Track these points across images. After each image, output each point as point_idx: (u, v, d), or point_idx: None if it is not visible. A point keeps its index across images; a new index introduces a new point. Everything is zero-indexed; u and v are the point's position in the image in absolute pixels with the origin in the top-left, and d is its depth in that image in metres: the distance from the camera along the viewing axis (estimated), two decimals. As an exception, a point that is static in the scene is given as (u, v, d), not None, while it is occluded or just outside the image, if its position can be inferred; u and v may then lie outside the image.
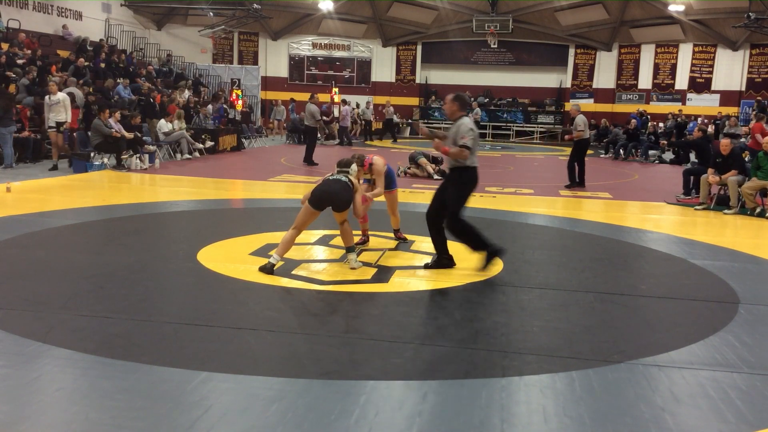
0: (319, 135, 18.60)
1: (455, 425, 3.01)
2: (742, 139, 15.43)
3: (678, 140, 11.56)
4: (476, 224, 5.81)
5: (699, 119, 23.40)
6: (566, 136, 12.82)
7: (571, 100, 29.73)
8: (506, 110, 29.86)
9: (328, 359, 3.75)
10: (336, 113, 24.18)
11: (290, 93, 29.35)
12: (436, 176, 12.70)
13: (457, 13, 28.67)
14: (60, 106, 12.61)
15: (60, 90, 13.48)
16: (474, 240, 5.72)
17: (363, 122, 26.61)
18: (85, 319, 4.23)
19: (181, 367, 3.51)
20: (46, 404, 3.10)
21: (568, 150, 13.86)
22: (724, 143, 10.35)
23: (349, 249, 5.88)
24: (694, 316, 4.84)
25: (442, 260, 5.91)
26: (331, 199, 5.75)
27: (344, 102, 24.22)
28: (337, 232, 7.05)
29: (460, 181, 5.80)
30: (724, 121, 23.10)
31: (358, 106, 27.54)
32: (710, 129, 16.00)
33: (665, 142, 19.53)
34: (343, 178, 5.89)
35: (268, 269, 5.50)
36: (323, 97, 26.23)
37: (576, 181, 12.60)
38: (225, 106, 20.86)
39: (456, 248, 6.75)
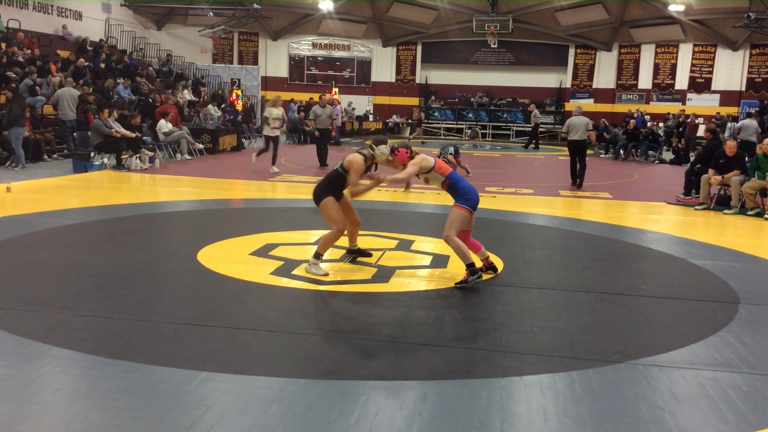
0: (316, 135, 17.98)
1: (455, 425, 3.01)
2: None
3: (703, 154, 11.43)
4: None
5: (699, 119, 23.41)
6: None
7: (571, 100, 29.77)
8: (506, 110, 29.88)
9: (328, 359, 3.75)
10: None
11: (290, 93, 29.39)
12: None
13: (457, 13, 28.67)
14: None
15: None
16: None
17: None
18: (85, 319, 4.23)
19: (181, 367, 3.51)
20: (46, 404, 3.10)
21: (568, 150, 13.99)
22: (731, 145, 10.30)
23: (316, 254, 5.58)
24: (694, 316, 4.84)
25: None
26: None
27: (336, 101, 24.12)
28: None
29: None
30: (724, 121, 23.15)
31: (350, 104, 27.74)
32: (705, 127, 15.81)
33: (677, 142, 19.52)
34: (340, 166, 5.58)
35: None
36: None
37: (575, 181, 12.63)
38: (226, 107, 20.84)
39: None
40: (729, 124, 22.56)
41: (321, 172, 13.58)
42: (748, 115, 20.27)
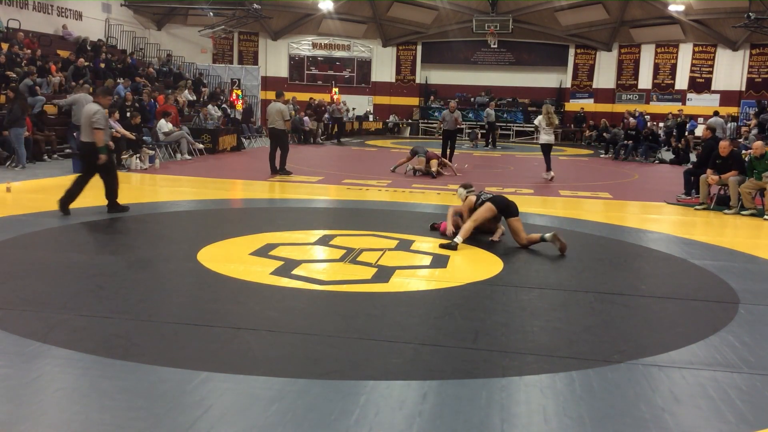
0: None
1: (455, 425, 3.01)
2: None
3: (703, 155, 11.41)
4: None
5: (699, 119, 23.46)
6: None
7: (571, 100, 29.77)
8: (506, 110, 29.87)
9: (328, 359, 3.75)
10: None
11: (290, 93, 29.41)
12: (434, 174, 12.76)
13: (457, 13, 28.68)
14: None
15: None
16: None
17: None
18: (85, 319, 4.23)
19: (181, 367, 3.51)
20: (46, 404, 3.10)
21: (568, 150, 14.15)
22: (724, 145, 10.33)
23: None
24: (694, 316, 4.84)
25: None
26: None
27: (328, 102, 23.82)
28: (337, 232, 7.11)
29: None
30: (726, 121, 23.20)
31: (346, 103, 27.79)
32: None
33: (677, 142, 19.62)
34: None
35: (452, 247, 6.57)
36: (323, 97, 26.27)
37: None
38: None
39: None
40: (728, 124, 22.60)
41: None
42: (715, 113, 21.02)
